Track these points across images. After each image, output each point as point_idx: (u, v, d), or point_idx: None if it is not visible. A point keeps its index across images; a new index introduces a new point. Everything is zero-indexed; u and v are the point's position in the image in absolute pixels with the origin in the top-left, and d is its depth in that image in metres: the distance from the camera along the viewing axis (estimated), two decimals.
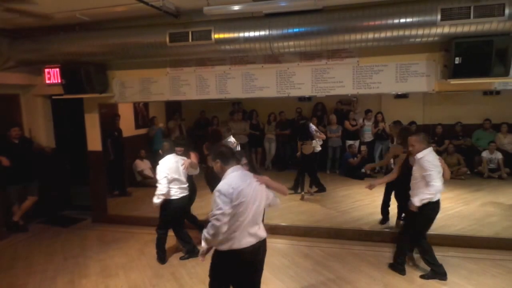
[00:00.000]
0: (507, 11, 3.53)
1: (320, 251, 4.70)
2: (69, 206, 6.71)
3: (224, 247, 2.63)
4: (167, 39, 4.46)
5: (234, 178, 2.63)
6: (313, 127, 6.90)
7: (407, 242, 4.06)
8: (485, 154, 7.87)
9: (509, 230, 4.91)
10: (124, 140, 7.40)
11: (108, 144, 6.84)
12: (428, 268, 3.97)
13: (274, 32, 4.16)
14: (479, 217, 5.38)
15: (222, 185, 2.59)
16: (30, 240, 5.44)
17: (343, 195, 6.91)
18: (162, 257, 4.56)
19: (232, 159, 2.74)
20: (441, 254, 4.30)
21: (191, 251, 4.59)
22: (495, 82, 4.18)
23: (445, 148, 8.10)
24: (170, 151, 4.43)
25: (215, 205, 2.54)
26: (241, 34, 4.26)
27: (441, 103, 8.67)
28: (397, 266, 4.08)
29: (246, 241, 2.63)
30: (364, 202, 6.39)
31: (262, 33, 4.19)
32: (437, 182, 3.60)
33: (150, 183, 7.73)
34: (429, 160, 3.66)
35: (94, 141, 5.86)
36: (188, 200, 4.63)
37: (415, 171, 3.82)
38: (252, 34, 4.23)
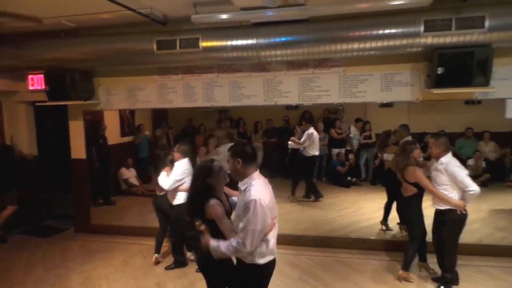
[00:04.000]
0: (487, 23, 3.64)
1: (307, 259, 4.69)
2: (51, 216, 6.55)
3: (263, 260, 2.44)
4: (155, 47, 4.44)
5: (263, 186, 2.42)
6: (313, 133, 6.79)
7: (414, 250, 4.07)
8: (470, 162, 8.05)
9: (491, 237, 5.00)
10: (109, 148, 7.29)
11: (92, 152, 6.74)
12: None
13: (262, 41, 4.19)
14: None
15: (260, 194, 2.32)
16: (9, 251, 5.27)
17: (329, 203, 6.93)
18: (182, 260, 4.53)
19: (255, 163, 2.47)
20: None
21: (180, 263, 4.52)
22: (476, 92, 4.29)
23: (429, 155, 8.23)
24: (187, 155, 4.38)
25: (254, 217, 2.27)
26: (229, 43, 4.28)
27: (425, 112, 8.86)
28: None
29: (274, 251, 2.55)
30: (351, 210, 6.43)
31: (250, 41, 4.22)
32: (473, 186, 3.57)
33: (136, 192, 7.67)
34: (457, 165, 3.65)
35: (78, 149, 5.76)
36: None
37: (440, 177, 3.74)
38: (239, 42, 4.25)
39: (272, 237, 2.48)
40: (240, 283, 2.56)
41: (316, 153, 6.85)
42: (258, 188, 2.37)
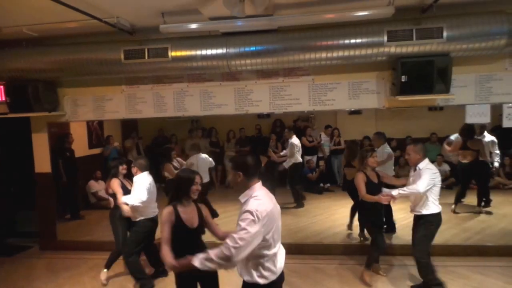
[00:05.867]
0: (445, 34, 3.85)
1: None
2: (14, 233, 6.21)
3: (263, 280, 2.25)
4: (122, 56, 4.38)
5: (265, 198, 2.25)
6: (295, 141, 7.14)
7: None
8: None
9: (457, 237, 5.20)
10: (77, 160, 7.05)
11: (59, 165, 6.49)
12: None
13: (231, 50, 4.22)
14: None
15: (257, 206, 2.16)
16: None
17: (302, 210, 6.99)
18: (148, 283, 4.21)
19: (257, 173, 2.31)
20: (397, 264, 4.46)
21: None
22: (438, 99, 4.49)
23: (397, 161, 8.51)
24: (146, 168, 4.18)
25: (246, 229, 2.11)
26: (199, 52, 4.28)
27: (392, 118, 9.17)
28: None
29: (279, 268, 2.34)
30: (324, 216, 6.51)
31: (220, 51, 4.24)
32: (421, 188, 3.64)
33: (105, 205, 7.39)
34: (429, 168, 3.71)
35: (43, 163, 5.52)
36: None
37: (414, 182, 3.80)
38: (209, 52, 4.26)
39: (277, 255, 2.32)
40: None
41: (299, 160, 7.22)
42: (258, 201, 2.21)
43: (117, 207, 4.23)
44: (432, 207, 3.75)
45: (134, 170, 4.15)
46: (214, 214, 6.10)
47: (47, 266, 5.08)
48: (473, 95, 4.44)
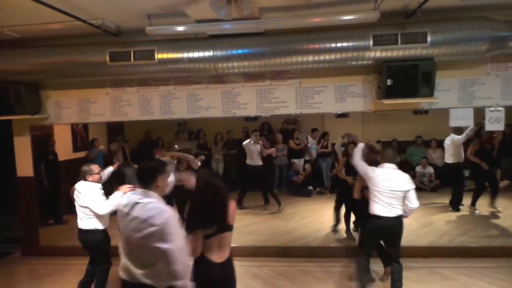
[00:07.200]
0: (429, 39, 3.91)
1: (269, 270, 4.68)
2: None
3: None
4: (107, 58, 4.31)
5: (128, 196, 2.48)
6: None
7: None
8: (418, 169, 8.50)
9: (442, 239, 5.28)
10: (60, 164, 6.91)
11: (41, 169, 6.34)
12: None
13: (218, 53, 4.20)
14: (414, 228, 5.73)
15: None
16: None
17: (290, 213, 7.00)
18: None
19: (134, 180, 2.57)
20: (380, 265, 4.50)
21: None
22: (422, 102, 4.56)
23: None
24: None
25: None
26: (185, 55, 4.25)
27: (379, 121, 9.28)
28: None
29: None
30: (311, 218, 6.52)
31: (207, 53, 4.22)
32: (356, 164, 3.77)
33: None
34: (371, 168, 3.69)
35: (25, 166, 5.39)
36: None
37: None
38: (196, 54, 4.23)
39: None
40: None
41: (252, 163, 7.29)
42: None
43: None
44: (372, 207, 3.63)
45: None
46: None
47: (29, 272, 4.96)
48: (456, 98, 4.52)
